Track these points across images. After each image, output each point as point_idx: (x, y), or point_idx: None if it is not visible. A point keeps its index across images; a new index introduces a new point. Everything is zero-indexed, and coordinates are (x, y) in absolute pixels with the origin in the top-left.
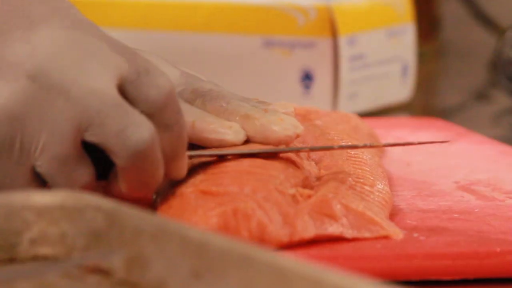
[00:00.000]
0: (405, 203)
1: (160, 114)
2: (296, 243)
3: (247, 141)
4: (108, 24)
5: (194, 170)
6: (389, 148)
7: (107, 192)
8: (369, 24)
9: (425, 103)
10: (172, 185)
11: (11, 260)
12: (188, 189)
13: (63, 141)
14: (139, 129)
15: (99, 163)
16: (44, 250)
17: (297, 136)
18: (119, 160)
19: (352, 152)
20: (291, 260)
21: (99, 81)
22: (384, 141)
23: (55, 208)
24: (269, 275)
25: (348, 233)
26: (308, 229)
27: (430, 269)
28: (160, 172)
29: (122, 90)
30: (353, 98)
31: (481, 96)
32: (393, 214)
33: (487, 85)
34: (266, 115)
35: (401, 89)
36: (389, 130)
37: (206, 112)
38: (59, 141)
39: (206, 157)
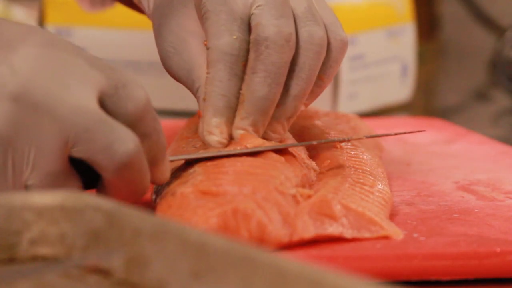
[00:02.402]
0: (405, 203)
1: (139, 124)
2: (296, 243)
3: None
4: (108, 24)
5: (194, 170)
6: (389, 148)
7: None
8: (369, 24)
9: (425, 103)
10: (172, 185)
11: (11, 260)
12: (188, 189)
13: (52, 159)
14: (125, 143)
15: (84, 174)
16: (44, 250)
17: None
18: (107, 173)
19: (352, 153)
20: (290, 260)
21: (82, 97)
22: (384, 141)
23: (55, 208)
24: (268, 276)
25: (348, 233)
26: (308, 229)
27: (430, 269)
28: (147, 180)
29: (102, 104)
30: (353, 98)
31: (481, 96)
32: (393, 214)
33: (487, 85)
34: None
35: (401, 89)
36: (389, 130)
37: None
38: (48, 158)
39: (186, 159)
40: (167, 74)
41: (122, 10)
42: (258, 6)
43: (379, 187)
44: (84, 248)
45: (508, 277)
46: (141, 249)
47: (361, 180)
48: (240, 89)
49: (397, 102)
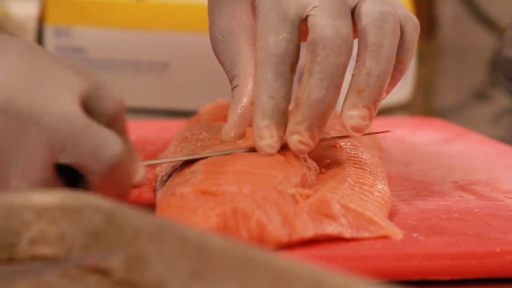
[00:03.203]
0: (404, 203)
1: (116, 123)
2: (295, 242)
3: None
4: (108, 23)
5: (193, 170)
6: (389, 148)
7: None
8: None
9: (424, 103)
10: (171, 185)
11: (10, 260)
12: (188, 189)
13: (41, 167)
14: (111, 145)
15: (66, 176)
16: (43, 250)
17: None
18: (95, 176)
19: (352, 152)
20: (290, 260)
21: (65, 104)
22: (384, 141)
23: (55, 208)
24: (268, 275)
25: (347, 232)
26: (307, 228)
27: (430, 269)
28: (131, 180)
29: (84, 106)
30: None
31: (480, 95)
32: (393, 214)
33: (486, 85)
34: None
35: (400, 89)
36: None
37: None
38: (36, 167)
39: (155, 164)
40: (167, 74)
41: (122, 10)
42: (314, 7)
43: (379, 187)
44: (84, 248)
45: (508, 277)
46: (141, 249)
47: (361, 180)
48: (288, 91)
49: (397, 102)
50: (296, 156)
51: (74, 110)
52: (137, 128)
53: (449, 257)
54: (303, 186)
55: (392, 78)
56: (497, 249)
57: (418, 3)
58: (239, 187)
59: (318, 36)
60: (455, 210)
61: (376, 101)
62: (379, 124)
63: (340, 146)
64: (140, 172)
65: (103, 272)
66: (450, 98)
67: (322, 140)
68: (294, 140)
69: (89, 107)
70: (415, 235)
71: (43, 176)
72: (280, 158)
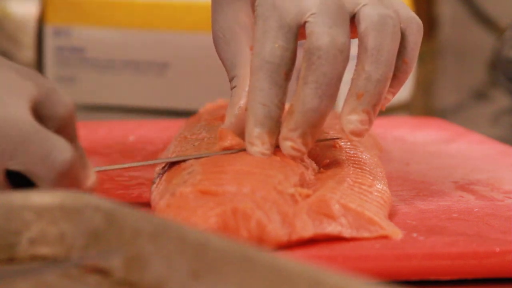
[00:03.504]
0: (404, 203)
1: (67, 128)
2: (295, 242)
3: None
4: (108, 23)
5: (193, 170)
6: (389, 148)
7: None
8: None
9: (424, 103)
10: (171, 185)
11: (10, 260)
12: (187, 189)
13: None
14: (62, 152)
15: (14, 183)
16: (43, 250)
17: None
18: (45, 183)
19: (351, 152)
20: (290, 260)
21: (15, 110)
22: (384, 141)
23: (54, 208)
24: (268, 276)
25: (347, 232)
26: (306, 228)
27: (429, 269)
28: (82, 186)
29: (35, 112)
30: None
31: (480, 95)
32: (392, 214)
33: (486, 85)
34: None
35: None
36: (388, 130)
37: None
38: None
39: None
40: (167, 74)
41: (121, 10)
42: (312, 14)
43: (378, 186)
44: (84, 248)
45: (508, 277)
46: (141, 249)
47: (360, 180)
48: (282, 98)
49: (396, 101)
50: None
51: (25, 116)
52: (137, 128)
53: (449, 257)
54: (302, 186)
55: (397, 80)
56: (497, 249)
57: (418, 3)
58: (239, 187)
59: (314, 45)
60: (455, 210)
61: (375, 105)
62: (379, 124)
63: (340, 146)
64: (91, 177)
65: (103, 272)
66: (450, 98)
67: (320, 140)
68: (286, 146)
69: (39, 112)
70: (415, 235)
71: None
72: (279, 158)
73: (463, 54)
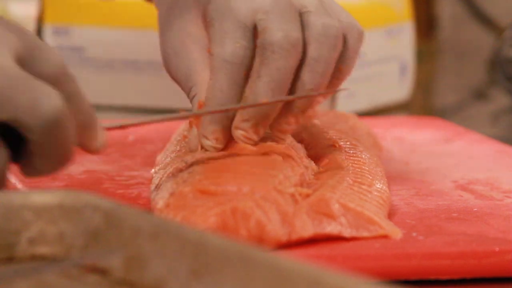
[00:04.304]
0: (403, 202)
1: (58, 86)
2: (295, 242)
3: None
4: (107, 23)
5: (192, 169)
6: (388, 148)
7: (22, 173)
8: (368, 23)
9: (423, 102)
10: (170, 184)
11: (10, 259)
12: (187, 189)
13: None
14: (50, 98)
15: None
16: (43, 249)
17: None
18: (33, 133)
19: (351, 152)
20: (289, 260)
21: (0, 58)
22: (383, 141)
23: (54, 208)
24: (267, 275)
25: (347, 232)
26: (306, 228)
27: (429, 269)
28: (73, 142)
29: (19, 66)
30: (351, 97)
31: (480, 95)
32: (392, 214)
33: (485, 84)
34: None
35: (399, 88)
36: (387, 130)
37: None
38: None
39: (120, 128)
40: (167, 74)
41: (121, 9)
42: (265, 12)
43: (378, 186)
44: (83, 247)
45: (507, 276)
46: (140, 249)
47: (360, 179)
48: (239, 97)
49: (396, 101)
50: (295, 155)
51: (9, 63)
52: (137, 128)
53: (448, 256)
54: (302, 185)
55: (330, 85)
56: (496, 249)
57: (418, 3)
58: (239, 187)
59: (267, 40)
60: (455, 209)
61: (304, 111)
62: (378, 123)
63: (339, 146)
64: (100, 137)
65: (102, 272)
66: (450, 97)
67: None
68: (239, 134)
69: (25, 68)
70: (414, 234)
71: None
72: (279, 157)
73: (463, 53)
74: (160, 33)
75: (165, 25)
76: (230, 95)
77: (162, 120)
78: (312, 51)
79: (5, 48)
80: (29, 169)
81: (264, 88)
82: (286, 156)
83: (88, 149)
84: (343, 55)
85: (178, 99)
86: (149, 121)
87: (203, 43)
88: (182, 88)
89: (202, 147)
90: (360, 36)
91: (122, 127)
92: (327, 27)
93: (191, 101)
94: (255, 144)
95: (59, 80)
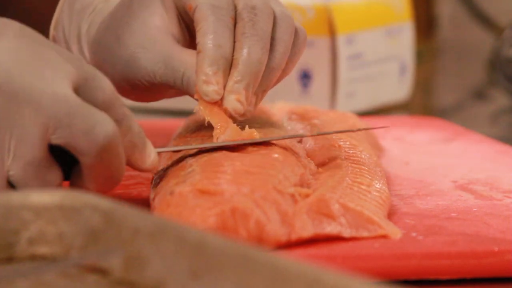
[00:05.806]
0: (403, 202)
1: (109, 112)
2: (294, 242)
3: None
4: None
5: (192, 169)
6: (388, 148)
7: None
8: (367, 23)
9: (423, 102)
10: (170, 184)
11: (9, 259)
12: (186, 188)
13: (33, 147)
14: (105, 125)
15: (60, 162)
16: (42, 249)
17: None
18: (87, 157)
19: (351, 152)
20: (289, 259)
21: (58, 86)
22: (383, 141)
23: (53, 208)
24: (267, 275)
25: (346, 232)
26: (306, 228)
27: (429, 269)
28: (123, 164)
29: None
30: (351, 97)
31: (480, 95)
32: (391, 214)
33: (485, 84)
34: None
35: (399, 88)
36: (387, 129)
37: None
38: (29, 147)
39: (172, 151)
40: None
41: None
42: None
43: (377, 186)
44: (83, 247)
45: (507, 276)
46: (140, 248)
47: (359, 179)
48: (232, 43)
49: (396, 101)
50: (295, 155)
51: (68, 91)
52: None
53: (448, 256)
54: (302, 185)
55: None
56: (496, 249)
57: (418, 3)
58: (238, 187)
59: (248, 4)
60: (454, 209)
61: (264, 91)
62: (378, 123)
63: (339, 146)
64: (150, 157)
65: (102, 272)
66: (449, 97)
67: (321, 134)
68: (231, 99)
69: (80, 96)
70: (414, 234)
71: (36, 157)
72: (279, 157)
73: (462, 53)
74: (110, 49)
75: (116, 36)
76: (224, 36)
77: (205, 148)
78: (274, 33)
79: (64, 77)
80: (80, 189)
81: (254, 46)
82: (287, 156)
83: (139, 168)
84: (291, 50)
85: (179, 100)
86: (199, 147)
87: (170, 32)
88: (163, 77)
89: (200, 98)
90: (305, 37)
91: (174, 152)
92: (287, 15)
93: (180, 80)
94: (243, 115)
95: (111, 106)
